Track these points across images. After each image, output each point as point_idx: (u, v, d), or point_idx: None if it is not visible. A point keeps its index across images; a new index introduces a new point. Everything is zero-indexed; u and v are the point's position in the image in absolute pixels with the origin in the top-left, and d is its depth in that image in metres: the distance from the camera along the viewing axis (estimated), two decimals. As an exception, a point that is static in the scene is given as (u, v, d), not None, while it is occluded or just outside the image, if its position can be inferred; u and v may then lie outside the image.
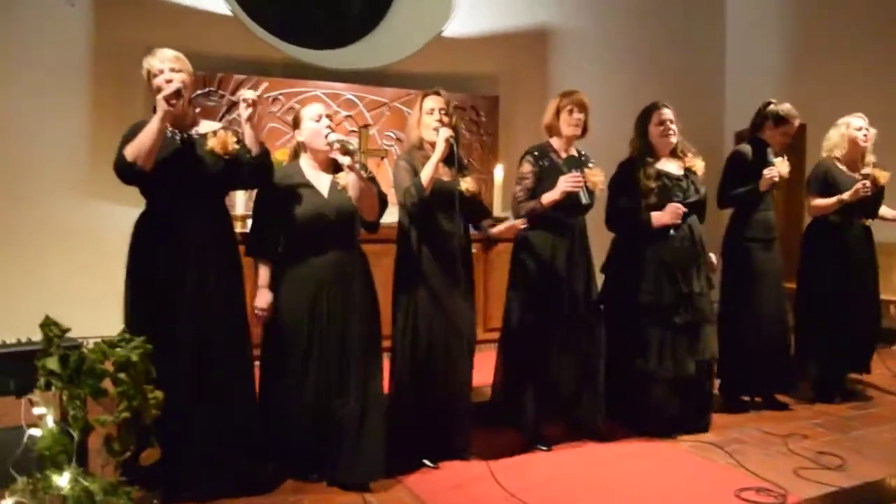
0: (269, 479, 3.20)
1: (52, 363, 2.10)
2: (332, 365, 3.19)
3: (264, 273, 3.25)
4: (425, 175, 3.33)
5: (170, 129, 3.02)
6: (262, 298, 3.21)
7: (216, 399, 3.03)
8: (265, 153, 3.13)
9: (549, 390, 3.71)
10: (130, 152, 2.88)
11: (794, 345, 4.68)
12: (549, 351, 3.71)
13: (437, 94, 3.52)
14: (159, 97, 2.88)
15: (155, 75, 3.00)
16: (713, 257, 4.15)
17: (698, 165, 4.04)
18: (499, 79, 6.55)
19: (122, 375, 2.17)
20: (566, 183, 3.58)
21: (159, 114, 2.88)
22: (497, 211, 5.60)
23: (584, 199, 3.66)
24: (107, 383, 2.26)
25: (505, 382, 3.89)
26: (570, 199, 3.63)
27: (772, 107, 4.52)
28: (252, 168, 3.09)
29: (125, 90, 5.21)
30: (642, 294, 3.93)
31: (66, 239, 5.01)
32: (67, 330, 2.19)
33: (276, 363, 3.23)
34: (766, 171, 4.31)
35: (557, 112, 3.76)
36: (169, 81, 2.95)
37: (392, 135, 5.95)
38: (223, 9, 5.39)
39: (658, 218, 3.89)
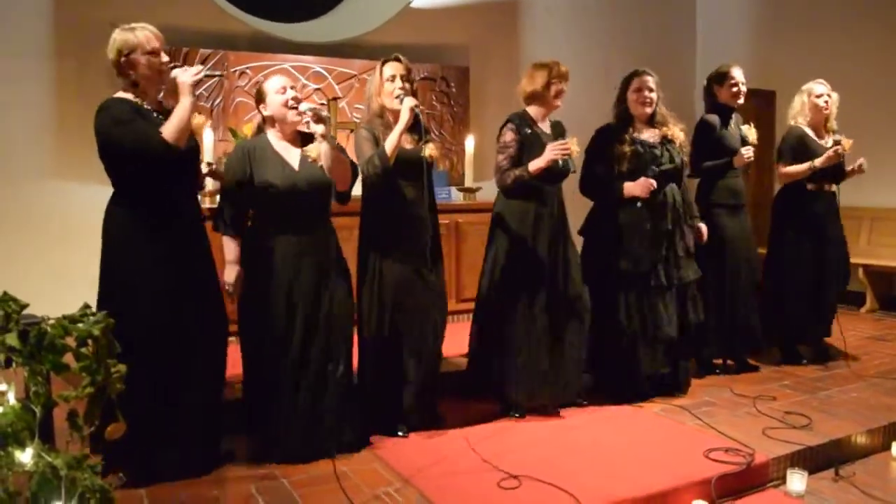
0: (236, 454, 3.22)
1: (12, 339, 2.06)
2: (304, 340, 3.18)
3: (233, 248, 3.22)
4: (389, 144, 3.28)
5: (147, 107, 2.97)
6: (231, 274, 3.19)
7: (189, 376, 3.02)
8: None
9: (526, 361, 3.70)
10: (171, 134, 2.85)
11: (765, 308, 4.73)
12: (525, 321, 3.70)
13: (398, 59, 3.45)
14: (185, 79, 2.88)
15: (151, 52, 2.93)
16: (703, 227, 4.19)
17: (677, 134, 4.04)
18: (469, 49, 6.51)
19: (84, 350, 2.14)
20: (554, 150, 3.57)
21: (190, 98, 2.88)
22: (468, 181, 5.62)
23: (570, 167, 3.69)
24: (71, 359, 2.24)
25: (480, 353, 3.90)
26: (554, 166, 3.63)
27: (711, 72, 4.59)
28: None
29: (88, 67, 5.12)
30: (620, 258, 3.95)
31: (32, 219, 4.94)
32: (26, 305, 2.16)
33: (257, 338, 3.22)
34: (742, 150, 4.34)
35: (548, 84, 3.72)
36: (166, 64, 2.96)
37: (362, 107, 5.89)
38: (187, -19, 5.30)
39: (629, 189, 3.91)
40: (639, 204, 3.90)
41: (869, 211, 6.16)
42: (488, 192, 5.93)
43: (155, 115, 2.97)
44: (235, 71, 5.48)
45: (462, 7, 6.47)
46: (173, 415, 3.00)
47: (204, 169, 3.28)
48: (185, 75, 2.90)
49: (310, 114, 3.08)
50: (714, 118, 4.53)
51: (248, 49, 5.59)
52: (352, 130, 5.64)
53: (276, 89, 3.21)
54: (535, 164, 3.61)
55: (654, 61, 5.58)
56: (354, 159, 3.41)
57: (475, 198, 5.65)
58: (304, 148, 3.14)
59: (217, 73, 2.94)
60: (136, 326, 2.85)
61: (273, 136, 3.28)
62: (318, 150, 3.07)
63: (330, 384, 3.22)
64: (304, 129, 3.17)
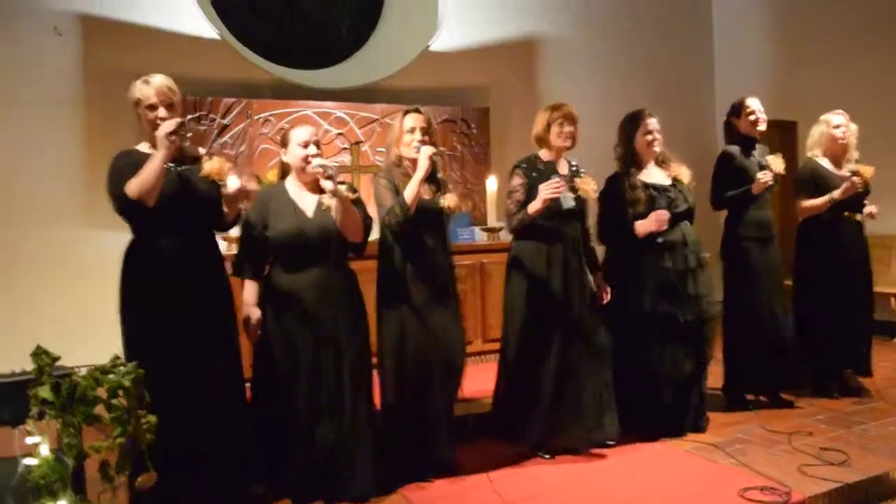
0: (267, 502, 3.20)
1: (45, 392, 2.10)
2: (322, 385, 3.19)
3: (250, 291, 3.27)
4: (409, 194, 3.33)
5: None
6: (250, 316, 3.24)
7: (214, 423, 3.03)
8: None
9: (551, 402, 3.68)
10: (134, 190, 2.85)
11: (795, 341, 4.66)
12: (546, 362, 3.68)
13: (418, 111, 3.52)
14: (159, 134, 2.86)
15: (149, 106, 2.98)
16: (706, 256, 4.17)
17: (684, 174, 4.04)
18: (488, 90, 6.58)
19: (115, 401, 2.16)
20: (546, 190, 3.59)
21: (161, 152, 2.86)
22: (491, 221, 5.64)
23: (567, 204, 3.66)
24: (102, 410, 2.27)
25: (505, 394, 3.87)
26: (556, 205, 3.63)
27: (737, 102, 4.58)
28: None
29: (116, 116, 5.20)
30: (642, 300, 3.94)
31: (62, 267, 5.02)
32: (58, 358, 2.20)
33: (264, 385, 3.24)
34: (759, 175, 4.31)
35: (548, 125, 3.76)
36: (162, 119, 2.94)
37: (384, 150, 5.96)
38: (211, 33, 5.43)
39: (642, 226, 3.90)
40: (660, 240, 3.89)
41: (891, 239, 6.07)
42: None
43: (168, 165, 2.99)
44: (259, 118, 5.57)
45: (481, 49, 6.55)
46: (198, 461, 3.00)
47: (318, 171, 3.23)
48: (160, 129, 2.90)
49: (320, 170, 3.14)
50: (733, 149, 4.52)
51: (271, 97, 5.69)
52: (375, 174, 5.71)
53: (299, 142, 3.28)
54: (532, 206, 3.64)
55: (674, 97, 5.65)
56: (374, 207, 3.45)
57: (498, 237, 5.66)
58: (321, 196, 3.21)
59: (183, 121, 2.96)
60: (151, 375, 2.88)
61: (292, 181, 3.35)
62: (329, 202, 3.15)
63: (346, 431, 3.20)
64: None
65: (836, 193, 4.48)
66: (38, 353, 2.15)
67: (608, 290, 3.83)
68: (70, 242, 5.07)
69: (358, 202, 3.31)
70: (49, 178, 5.07)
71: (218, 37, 5.44)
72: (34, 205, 4.99)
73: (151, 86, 2.99)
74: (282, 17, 6.38)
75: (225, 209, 3.16)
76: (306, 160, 3.23)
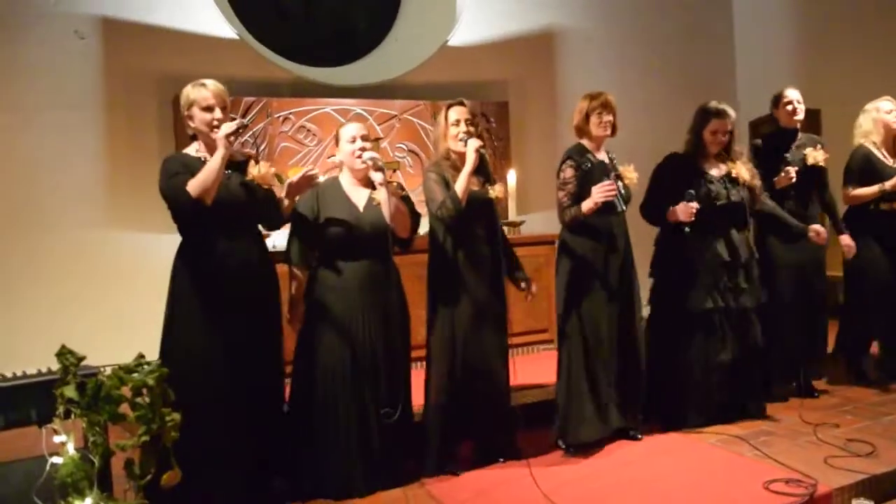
0: (297, 499, 3.23)
1: (70, 391, 2.14)
2: (369, 375, 3.27)
3: (299, 282, 3.35)
4: (460, 187, 3.38)
5: (206, 159, 3.08)
6: (294, 306, 3.33)
7: (250, 421, 3.08)
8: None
9: (586, 393, 3.71)
10: (196, 190, 2.93)
11: (840, 331, 4.71)
12: (591, 352, 3.72)
13: (462, 104, 3.57)
14: (220, 135, 2.95)
15: (206, 108, 3.05)
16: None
17: (742, 173, 4.02)
18: (508, 84, 6.55)
19: (139, 400, 2.19)
20: (599, 193, 3.59)
21: (221, 151, 2.94)
22: (512, 215, 5.63)
23: (619, 207, 3.70)
24: (127, 408, 2.30)
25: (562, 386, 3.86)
26: (606, 205, 3.64)
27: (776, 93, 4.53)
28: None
29: (138, 119, 5.30)
30: (684, 288, 3.98)
31: (87, 270, 5.06)
32: (83, 358, 2.23)
33: (306, 376, 3.29)
34: (783, 171, 4.26)
35: (587, 115, 3.76)
36: (220, 120, 3.03)
37: (404, 146, 5.98)
38: (230, 33, 5.46)
39: (671, 213, 3.90)
40: (686, 229, 3.87)
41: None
42: (531, 225, 5.97)
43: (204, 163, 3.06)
44: (279, 116, 5.59)
45: (499, 43, 6.53)
46: (228, 460, 3.04)
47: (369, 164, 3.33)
48: (221, 130, 2.98)
49: (370, 163, 3.28)
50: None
51: (291, 95, 5.71)
52: (394, 170, 5.73)
53: (348, 138, 3.38)
54: (585, 205, 3.64)
55: (694, 89, 5.60)
56: (424, 202, 3.53)
57: (519, 231, 5.66)
58: (373, 192, 3.32)
59: (244, 122, 3.02)
60: (192, 380, 2.93)
61: (345, 177, 3.45)
62: (379, 196, 3.25)
63: (383, 425, 3.26)
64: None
65: (889, 184, 4.43)
66: (63, 353, 2.19)
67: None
68: (94, 246, 5.12)
69: (407, 199, 3.44)
70: (72, 182, 5.11)
71: (237, 37, 5.47)
72: (58, 210, 5.04)
73: (208, 88, 3.07)
74: (300, 16, 6.41)
75: (285, 202, 3.22)
76: (355, 155, 3.33)
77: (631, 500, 3.11)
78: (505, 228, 5.64)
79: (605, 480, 3.35)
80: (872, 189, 4.50)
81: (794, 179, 4.26)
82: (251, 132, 5.48)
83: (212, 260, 3.04)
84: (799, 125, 4.50)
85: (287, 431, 3.28)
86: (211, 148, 3.07)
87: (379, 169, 3.24)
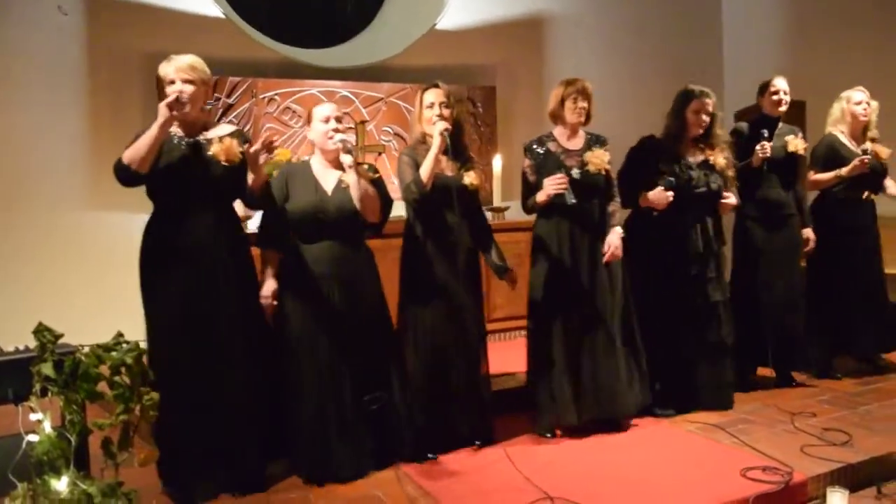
0: (274, 478, 3.23)
1: (47, 369, 2.12)
2: (341, 357, 3.25)
3: (271, 264, 3.33)
4: (424, 170, 3.37)
5: (178, 134, 3.08)
6: (267, 288, 3.29)
7: (230, 399, 3.08)
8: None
9: (560, 379, 3.71)
10: (127, 155, 2.94)
11: (808, 321, 4.69)
12: (565, 339, 3.72)
13: (436, 86, 3.54)
14: (161, 104, 2.92)
15: (169, 83, 3.04)
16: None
17: (719, 161, 4.02)
18: (495, 69, 6.52)
19: (117, 378, 2.18)
20: (549, 185, 3.60)
21: (159, 120, 2.91)
22: (497, 201, 5.62)
23: (570, 201, 3.60)
24: (105, 387, 2.28)
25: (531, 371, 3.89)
26: (559, 199, 3.62)
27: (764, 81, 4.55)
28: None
29: (121, 97, 5.23)
30: (661, 285, 4.00)
31: (67, 250, 5.01)
32: (60, 336, 2.21)
33: (280, 357, 3.29)
34: (758, 147, 4.29)
35: (562, 101, 3.75)
36: (181, 92, 3.00)
37: (389, 130, 5.95)
38: (216, 12, 5.40)
39: (644, 199, 3.92)
40: (655, 213, 3.88)
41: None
42: (517, 211, 5.95)
43: (177, 140, 3.08)
44: (265, 97, 5.55)
45: (487, 27, 6.50)
46: (210, 437, 3.04)
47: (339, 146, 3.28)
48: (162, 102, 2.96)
49: (339, 145, 3.22)
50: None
51: (277, 75, 5.66)
52: (380, 153, 5.71)
53: (321, 117, 3.34)
54: (538, 197, 3.67)
55: (683, 76, 5.58)
56: (398, 184, 3.52)
57: (504, 217, 5.65)
58: (341, 174, 3.29)
59: (180, 91, 2.98)
60: (167, 350, 2.98)
61: (317, 159, 3.42)
62: (348, 179, 3.23)
63: (360, 408, 3.27)
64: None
65: (845, 170, 4.46)
66: (40, 331, 2.17)
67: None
68: (76, 226, 5.07)
69: (378, 183, 3.38)
70: (54, 161, 5.05)
71: (223, 16, 5.41)
72: (40, 189, 4.98)
73: (172, 63, 3.05)
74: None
75: (250, 178, 3.17)
76: (327, 135, 3.29)
77: (609, 485, 3.13)
78: (489, 214, 5.67)
79: (583, 465, 3.37)
80: (830, 175, 4.54)
81: (769, 154, 4.28)
82: (236, 113, 5.44)
83: (175, 233, 3.04)
84: (781, 115, 4.52)
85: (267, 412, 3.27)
86: (184, 124, 3.08)
87: (348, 151, 3.19)
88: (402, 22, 6.28)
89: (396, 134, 5.93)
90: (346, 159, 3.19)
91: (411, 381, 3.48)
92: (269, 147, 3.10)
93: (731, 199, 4.01)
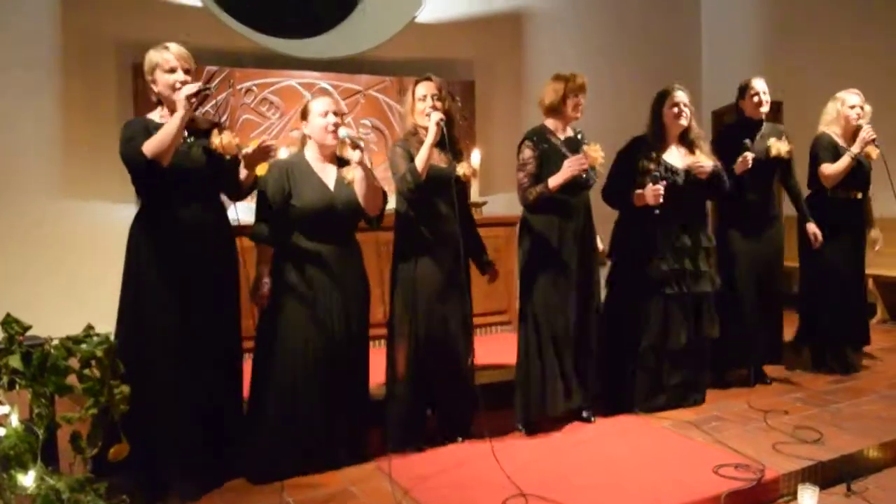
0: (251, 476, 3.20)
1: (15, 361, 2.07)
2: (332, 355, 3.23)
3: (266, 258, 3.28)
4: (420, 160, 3.36)
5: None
6: (261, 282, 3.25)
7: (206, 395, 3.05)
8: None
9: (538, 373, 3.73)
10: (151, 150, 2.84)
11: (801, 321, 4.86)
12: (564, 335, 3.73)
13: (429, 79, 3.53)
14: (179, 96, 2.86)
15: (169, 70, 2.98)
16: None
17: (702, 160, 4.03)
18: (474, 64, 6.52)
19: (87, 371, 2.14)
20: (572, 166, 3.59)
21: (180, 112, 2.85)
22: (475, 195, 5.60)
23: (592, 180, 3.71)
24: (75, 380, 2.24)
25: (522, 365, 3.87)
26: (575, 179, 3.64)
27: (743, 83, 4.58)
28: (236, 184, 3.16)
29: (96, 84, 5.17)
30: (643, 270, 4.01)
31: (39, 239, 4.95)
32: (29, 327, 2.17)
33: (273, 350, 3.24)
34: (740, 158, 4.30)
35: (564, 97, 3.74)
36: (182, 83, 2.96)
37: (368, 122, 5.92)
38: (193, 0, 5.33)
39: (638, 197, 3.91)
40: (657, 211, 3.90)
41: (878, 221, 6.15)
42: (494, 205, 5.96)
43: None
44: (242, 88, 5.50)
45: (467, 22, 6.49)
46: (184, 430, 3.00)
47: (346, 142, 3.26)
48: (181, 91, 2.90)
49: (348, 141, 3.19)
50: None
51: (254, 66, 5.61)
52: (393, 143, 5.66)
53: (320, 112, 3.29)
54: (554, 180, 3.63)
55: (661, 76, 5.61)
56: (390, 176, 3.52)
57: (482, 212, 5.64)
58: (342, 169, 3.28)
59: (207, 87, 2.93)
60: (145, 343, 2.93)
61: (312, 154, 3.35)
62: (353, 174, 3.21)
63: (343, 403, 3.26)
64: (343, 154, 3.28)
65: (855, 147, 4.52)
66: (8, 322, 2.12)
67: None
68: (47, 214, 5.00)
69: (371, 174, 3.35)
70: (26, 148, 4.97)
71: (200, 3, 5.34)
72: (11, 176, 4.90)
73: (171, 51, 3.01)
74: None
75: (243, 174, 3.14)
76: (328, 130, 3.26)
77: (584, 481, 3.13)
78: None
79: (563, 462, 3.37)
80: (844, 160, 4.55)
81: (750, 165, 4.30)
82: (214, 102, 5.38)
83: (169, 226, 3.00)
84: (764, 116, 4.55)
85: (248, 408, 3.25)
86: (174, 111, 3.00)
87: (357, 147, 3.14)
88: (382, 14, 6.24)
89: (375, 127, 5.91)
90: (355, 155, 3.14)
91: (402, 369, 3.48)
92: (266, 151, 3.09)
93: (705, 165, 4.01)
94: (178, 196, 3.00)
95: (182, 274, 2.99)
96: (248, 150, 3.08)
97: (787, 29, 7.16)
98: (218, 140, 3.05)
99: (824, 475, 3.29)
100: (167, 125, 2.88)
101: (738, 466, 3.22)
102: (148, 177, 2.91)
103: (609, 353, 4.01)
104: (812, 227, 4.63)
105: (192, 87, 2.89)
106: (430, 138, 3.37)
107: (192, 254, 3.01)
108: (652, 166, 3.95)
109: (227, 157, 3.07)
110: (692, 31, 7.78)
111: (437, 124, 3.36)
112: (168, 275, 2.98)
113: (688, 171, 3.99)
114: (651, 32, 7.38)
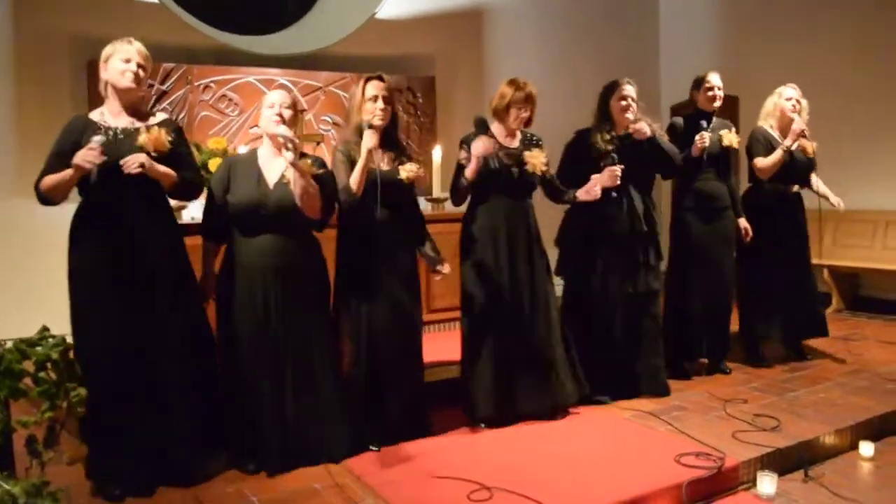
0: (210, 470, 3.17)
1: (-33, 365, 2.03)
2: (279, 349, 3.20)
3: (212, 255, 3.30)
4: (353, 180, 3.34)
5: (106, 124, 2.99)
6: (205, 280, 3.26)
7: (163, 388, 3.01)
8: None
9: (492, 372, 3.72)
10: (45, 189, 2.89)
11: (739, 311, 4.86)
12: (499, 331, 3.73)
13: (380, 78, 3.48)
14: (77, 159, 2.77)
15: (125, 60, 2.96)
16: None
17: (641, 126, 4.05)
18: (435, 59, 6.52)
19: (42, 374, 2.10)
20: (475, 147, 3.60)
21: (73, 174, 2.82)
22: (436, 191, 5.60)
23: (493, 164, 3.68)
24: (30, 383, 2.20)
25: (463, 361, 3.89)
26: (487, 168, 3.65)
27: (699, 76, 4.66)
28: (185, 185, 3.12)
29: (50, 83, 5.07)
30: (596, 264, 4.06)
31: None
32: (-19, 330, 2.12)
33: (223, 349, 3.26)
34: (696, 137, 4.37)
35: (508, 106, 3.74)
36: (134, 73, 2.96)
37: (328, 119, 5.89)
38: (149, -5, 5.26)
39: (596, 179, 3.93)
40: (614, 194, 3.93)
41: (833, 213, 6.26)
42: (456, 201, 5.96)
43: (104, 129, 2.95)
44: (200, 84, 5.43)
45: (427, 18, 6.48)
46: (141, 429, 2.96)
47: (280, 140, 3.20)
48: (80, 155, 2.81)
49: (281, 140, 3.12)
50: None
51: (213, 62, 5.54)
52: (318, 142, 5.63)
53: (268, 104, 3.26)
54: (468, 169, 3.66)
55: (619, 71, 5.65)
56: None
57: (443, 208, 5.63)
58: (284, 169, 3.21)
59: (99, 147, 2.85)
60: (96, 339, 2.89)
61: (265, 149, 3.32)
62: (289, 174, 3.16)
63: (300, 401, 3.23)
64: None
65: (788, 140, 4.57)
66: (-40, 326, 2.07)
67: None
68: (0, 214, 4.89)
69: (324, 179, 3.27)
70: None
71: (156, 0, 5.26)
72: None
73: (133, 45, 3.00)
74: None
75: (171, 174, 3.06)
76: (272, 120, 3.21)
77: (547, 473, 3.15)
78: (429, 205, 5.65)
79: (518, 454, 3.39)
80: (777, 153, 4.61)
81: (707, 143, 4.38)
82: (170, 100, 5.30)
83: (102, 220, 2.96)
84: (715, 110, 4.62)
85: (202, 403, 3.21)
86: (124, 101, 3.01)
87: (289, 148, 3.08)
88: (342, 10, 6.20)
89: (335, 123, 5.88)
90: (287, 156, 3.09)
91: (348, 372, 3.45)
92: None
93: (643, 128, 4.03)
94: (114, 191, 2.93)
95: (115, 267, 2.94)
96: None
97: (745, 26, 7.27)
98: (144, 137, 2.97)
99: (782, 462, 3.36)
100: (61, 176, 2.85)
101: (699, 455, 3.27)
102: (47, 204, 2.93)
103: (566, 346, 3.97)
104: (743, 223, 4.69)
105: (94, 155, 2.79)
106: (361, 161, 3.33)
107: (124, 247, 2.96)
108: (610, 147, 3.98)
109: (155, 153, 2.97)
110: (651, 27, 7.86)
111: (369, 151, 3.31)
112: (101, 268, 2.94)
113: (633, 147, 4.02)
114: (610, 29, 7.45)
